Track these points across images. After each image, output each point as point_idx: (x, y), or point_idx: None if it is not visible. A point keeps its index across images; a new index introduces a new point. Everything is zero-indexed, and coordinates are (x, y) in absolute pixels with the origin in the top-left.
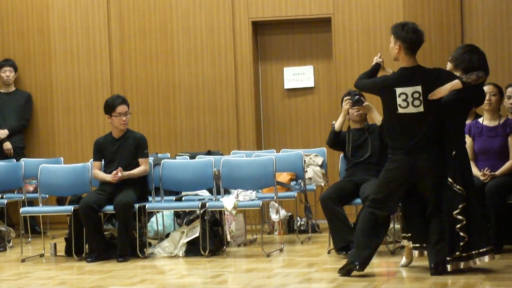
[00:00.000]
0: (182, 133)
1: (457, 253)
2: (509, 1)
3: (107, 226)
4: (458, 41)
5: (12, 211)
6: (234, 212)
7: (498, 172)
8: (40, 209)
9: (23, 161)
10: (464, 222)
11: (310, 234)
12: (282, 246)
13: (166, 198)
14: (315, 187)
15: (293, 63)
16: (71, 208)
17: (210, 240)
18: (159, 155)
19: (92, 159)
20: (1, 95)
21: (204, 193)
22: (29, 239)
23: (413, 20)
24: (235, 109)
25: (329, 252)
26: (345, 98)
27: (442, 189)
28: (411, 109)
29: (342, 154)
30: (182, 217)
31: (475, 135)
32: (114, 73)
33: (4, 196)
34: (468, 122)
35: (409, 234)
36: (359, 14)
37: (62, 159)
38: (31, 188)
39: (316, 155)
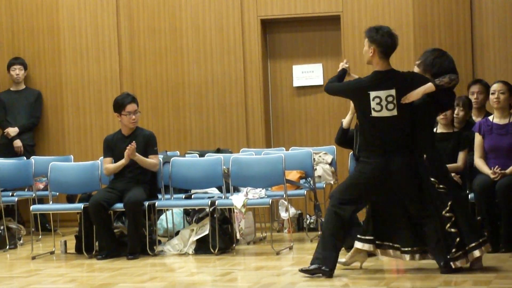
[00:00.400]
0: (191, 131)
1: (454, 250)
2: None
3: (117, 223)
4: (467, 39)
5: (22, 209)
6: (243, 210)
7: (508, 170)
8: (50, 207)
9: (33, 158)
10: (453, 219)
11: (319, 232)
12: (291, 244)
13: (175, 196)
14: (324, 185)
15: (302, 61)
16: (81, 205)
17: (220, 238)
18: (168, 153)
19: (102, 157)
20: (11, 93)
21: (214, 191)
22: (40, 237)
23: (422, 18)
24: (244, 107)
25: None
26: None
27: (424, 191)
28: (384, 113)
29: (351, 152)
30: (191, 215)
31: (485, 133)
32: (124, 71)
33: (15, 194)
34: (478, 119)
35: (371, 237)
36: (368, 12)
37: (72, 157)
38: (41, 186)
39: (325, 153)
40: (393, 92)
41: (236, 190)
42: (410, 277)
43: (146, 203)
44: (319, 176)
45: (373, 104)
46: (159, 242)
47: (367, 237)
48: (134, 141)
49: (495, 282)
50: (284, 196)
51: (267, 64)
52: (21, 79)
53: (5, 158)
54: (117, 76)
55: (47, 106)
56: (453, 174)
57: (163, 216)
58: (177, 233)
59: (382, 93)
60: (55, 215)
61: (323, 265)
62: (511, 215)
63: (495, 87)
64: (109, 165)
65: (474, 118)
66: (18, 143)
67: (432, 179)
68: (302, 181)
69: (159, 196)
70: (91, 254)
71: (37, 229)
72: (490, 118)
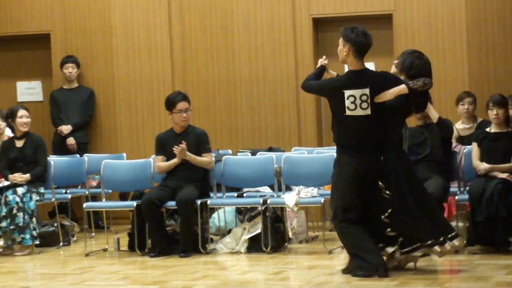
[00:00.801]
0: (243, 130)
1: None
2: None
3: (169, 221)
4: None
5: (75, 206)
6: (295, 209)
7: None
8: (103, 204)
9: (86, 156)
10: (391, 227)
11: None
12: None
13: (227, 194)
14: None
15: None
16: (133, 203)
17: (272, 236)
18: (220, 151)
19: (154, 155)
20: (64, 91)
21: (266, 189)
22: (93, 234)
23: (475, 17)
24: (296, 106)
25: None
26: None
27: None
28: (359, 112)
29: None
30: (243, 213)
31: None
32: (175, 69)
33: (68, 191)
34: None
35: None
36: (420, 10)
37: (125, 154)
38: (94, 183)
39: None
40: (367, 91)
41: (288, 188)
42: (464, 277)
43: (198, 201)
44: None
45: (347, 103)
46: (211, 240)
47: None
48: (183, 141)
49: None
50: None
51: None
52: (73, 77)
53: (59, 156)
54: (169, 74)
55: (99, 104)
56: (506, 175)
57: (215, 214)
58: (229, 231)
59: (357, 92)
60: (108, 213)
61: (381, 267)
62: None
63: None
64: (161, 163)
65: None
66: (71, 140)
67: (380, 183)
68: None
69: (211, 194)
70: (143, 251)
71: (90, 226)
72: None
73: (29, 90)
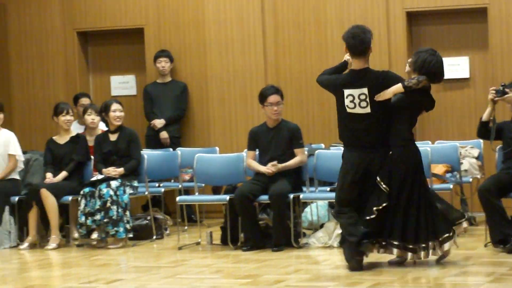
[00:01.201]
0: (336, 124)
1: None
2: None
3: (262, 215)
4: None
5: (168, 200)
6: None
7: None
8: (196, 198)
9: (179, 150)
10: (374, 217)
11: (466, 227)
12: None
13: (320, 188)
14: (471, 179)
15: (448, 54)
16: (226, 197)
17: None
18: (313, 145)
19: (246, 149)
20: (158, 85)
21: None
22: (186, 227)
23: None
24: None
25: (485, 245)
26: (490, 89)
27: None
28: (358, 110)
29: (499, 146)
30: None
31: None
32: (268, 63)
33: (161, 185)
34: None
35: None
36: None
37: (218, 148)
38: (187, 177)
39: (472, 147)
40: (365, 90)
41: None
42: None
43: (291, 196)
44: (466, 170)
45: (347, 102)
46: (304, 234)
47: None
48: (273, 164)
49: None
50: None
51: None
52: (167, 71)
53: (152, 150)
54: (262, 68)
55: (192, 98)
56: None
57: (307, 209)
58: (321, 225)
59: (355, 92)
60: (200, 206)
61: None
62: None
63: None
64: (252, 162)
65: None
66: (164, 134)
67: (378, 178)
68: (448, 175)
69: (304, 188)
70: (236, 245)
71: (183, 220)
72: None
73: (123, 84)
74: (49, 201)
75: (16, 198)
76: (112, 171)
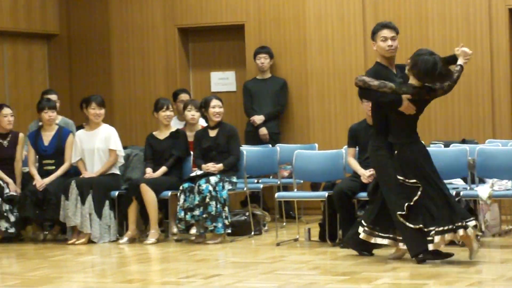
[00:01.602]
0: (436, 121)
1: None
2: None
3: (360, 212)
4: None
5: (267, 196)
6: (489, 201)
7: None
8: (294, 194)
9: (278, 146)
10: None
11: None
12: None
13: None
14: None
15: None
16: (325, 194)
17: None
18: None
19: (346, 146)
20: (257, 82)
21: (458, 181)
22: (284, 224)
23: None
24: (491, 97)
25: None
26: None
27: None
28: None
29: None
30: None
31: None
32: (369, 60)
33: (260, 181)
34: None
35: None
36: None
37: (317, 145)
38: (285, 174)
39: None
40: None
41: (482, 181)
42: None
43: None
44: None
45: None
46: None
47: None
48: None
49: None
50: None
51: None
52: (266, 67)
53: (251, 146)
54: (362, 65)
55: (292, 95)
56: None
57: None
58: None
59: None
60: (299, 203)
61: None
62: None
63: None
64: (351, 161)
65: None
66: (263, 130)
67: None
68: None
69: None
70: (334, 242)
71: (281, 216)
72: None
73: (223, 81)
74: (149, 196)
75: (116, 193)
76: (211, 166)
